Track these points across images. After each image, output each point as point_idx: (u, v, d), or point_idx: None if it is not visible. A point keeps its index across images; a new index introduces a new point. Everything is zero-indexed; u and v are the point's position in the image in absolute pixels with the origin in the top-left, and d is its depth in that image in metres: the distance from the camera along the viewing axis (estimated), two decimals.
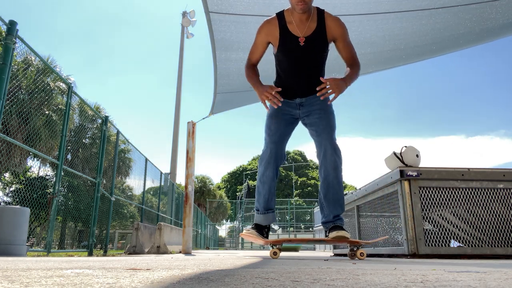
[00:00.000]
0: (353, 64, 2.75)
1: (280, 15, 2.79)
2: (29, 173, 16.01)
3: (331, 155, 2.78)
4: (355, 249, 2.94)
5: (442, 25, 4.53)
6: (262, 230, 3.00)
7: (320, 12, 2.77)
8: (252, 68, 2.91)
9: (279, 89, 2.66)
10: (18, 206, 4.37)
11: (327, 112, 2.87)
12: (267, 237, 3.01)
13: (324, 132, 2.79)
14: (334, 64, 3.66)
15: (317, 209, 15.10)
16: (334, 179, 2.81)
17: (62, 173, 5.41)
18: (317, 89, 2.57)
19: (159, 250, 7.33)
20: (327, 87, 2.52)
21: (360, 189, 4.70)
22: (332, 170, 2.80)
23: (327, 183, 2.83)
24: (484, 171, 3.50)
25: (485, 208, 3.42)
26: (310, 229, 31.17)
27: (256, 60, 2.95)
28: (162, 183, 12.45)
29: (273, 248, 2.91)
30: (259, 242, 3.02)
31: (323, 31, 2.74)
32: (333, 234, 2.74)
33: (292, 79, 2.90)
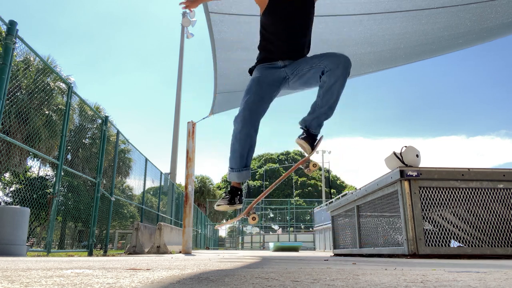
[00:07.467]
0: None
1: None
2: (29, 173, 16.00)
3: (344, 68, 2.52)
4: (308, 163, 3.03)
5: (442, 25, 4.53)
6: (234, 198, 2.95)
7: None
8: None
9: None
10: (18, 206, 4.37)
11: (317, 56, 2.71)
12: (240, 202, 2.99)
13: (324, 56, 2.58)
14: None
15: (317, 209, 15.11)
16: (340, 89, 2.58)
17: (62, 173, 5.41)
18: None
19: (159, 250, 7.33)
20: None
21: (360, 189, 4.70)
22: (340, 87, 2.57)
23: (331, 91, 2.59)
24: (484, 171, 3.50)
25: (485, 208, 3.42)
26: (310, 229, 31.15)
27: None
28: (162, 183, 12.45)
29: (250, 214, 3.01)
30: (231, 209, 3.05)
31: None
32: (301, 142, 2.75)
33: (278, 42, 2.81)
